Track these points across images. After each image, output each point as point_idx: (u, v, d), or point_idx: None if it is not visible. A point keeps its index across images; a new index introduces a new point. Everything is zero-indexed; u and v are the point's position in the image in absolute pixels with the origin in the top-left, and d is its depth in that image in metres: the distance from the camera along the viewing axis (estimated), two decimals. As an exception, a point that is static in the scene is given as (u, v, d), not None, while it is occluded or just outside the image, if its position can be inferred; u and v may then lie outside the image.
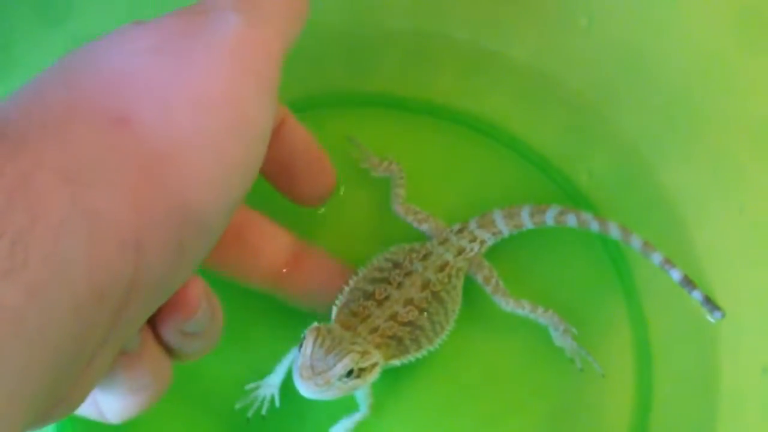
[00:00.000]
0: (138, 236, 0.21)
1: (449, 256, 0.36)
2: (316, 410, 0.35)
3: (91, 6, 0.34)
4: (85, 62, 0.23)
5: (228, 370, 0.36)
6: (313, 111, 0.33)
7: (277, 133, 0.32)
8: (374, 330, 0.34)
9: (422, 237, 0.37)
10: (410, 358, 0.34)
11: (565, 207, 0.36)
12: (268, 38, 0.25)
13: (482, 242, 0.37)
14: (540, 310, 0.36)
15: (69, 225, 0.19)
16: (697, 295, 0.33)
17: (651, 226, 0.37)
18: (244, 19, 0.24)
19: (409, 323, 0.34)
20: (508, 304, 0.36)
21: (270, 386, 0.36)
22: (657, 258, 0.34)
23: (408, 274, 0.35)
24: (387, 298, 0.34)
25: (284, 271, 0.34)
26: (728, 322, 0.34)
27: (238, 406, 0.36)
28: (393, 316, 0.34)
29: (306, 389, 0.31)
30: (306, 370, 0.31)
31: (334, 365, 0.31)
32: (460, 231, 0.37)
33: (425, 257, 0.36)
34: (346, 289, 0.35)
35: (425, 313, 0.34)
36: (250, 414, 0.36)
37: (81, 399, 0.22)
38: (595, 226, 0.36)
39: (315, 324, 0.32)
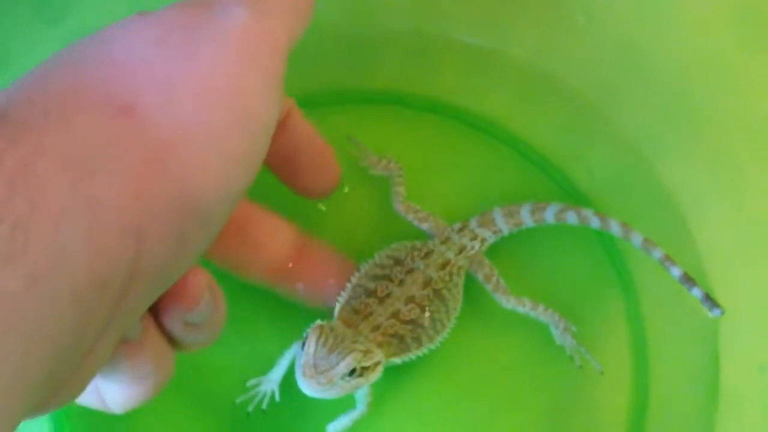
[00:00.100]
0: (139, 225, 0.20)
1: (450, 255, 0.36)
2: (316, 406, 0.35)
3: (89, 3, 0.34)
4: (89, 52, 0.22)
5: (229, 364, 0.36)
6: (313, 109, 0.33)
7: (282, 125, 0.31)
8: (376, 328, 0.33)
9: (423, 235, 0.37)
10: (411, 356, 0.34)
11: (565, 204, 0.36)
12: (273, 32, 0.24)
13: (483, 240, 0.36)
14: (540, 307, 0.36)
15: (69, 212, 0.19)
16: (696, 292, 0.33)
17: (650, 224, 0.36)
18: (250, 13, 0.24)
19: (411, 321, 0.34)
20: (508, 302, 0.36)
21: (271, 382, 0.35)
22: (657, 254, 0.34)
23: (410, 271, 0.35)
24: (388, 295, 0.34)
25: (289, 266, 0.34)
26: (726, 319, 0.34)
27: (238, 400, 0.36)
28: (395, 314, 0.34)
29: (309, 388, 0.31)
30: (309, 368, 0.31)
31: (337, 364, 0.31)
32: (461, 229, 0.36)
33: (427, 255, 0.35)
34: (349, 286, 0.35)
35: (427, 311, 0.34)
36: (250, 408, 0.36)
37: (81, 388, 0.22)
38: (595, 222, 0.35)
39: (318, 322, 0.32)
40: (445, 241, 0.36)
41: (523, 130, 0.40)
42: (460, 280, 0.36)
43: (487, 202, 0.37)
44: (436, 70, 0.41)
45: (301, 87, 0.31)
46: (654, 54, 0.37)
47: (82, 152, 0.20)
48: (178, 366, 0.27)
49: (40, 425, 0.35)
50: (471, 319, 0.36)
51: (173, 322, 0.25)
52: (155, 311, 0.25)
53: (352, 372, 0.31)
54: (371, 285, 0.34)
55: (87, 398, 0.26)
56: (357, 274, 0.35)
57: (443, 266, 0.35)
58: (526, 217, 0.36)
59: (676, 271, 0.34)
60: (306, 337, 0.31)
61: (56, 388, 0.21)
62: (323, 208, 0.38)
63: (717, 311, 0.33)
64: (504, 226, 0.36)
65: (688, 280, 0.34)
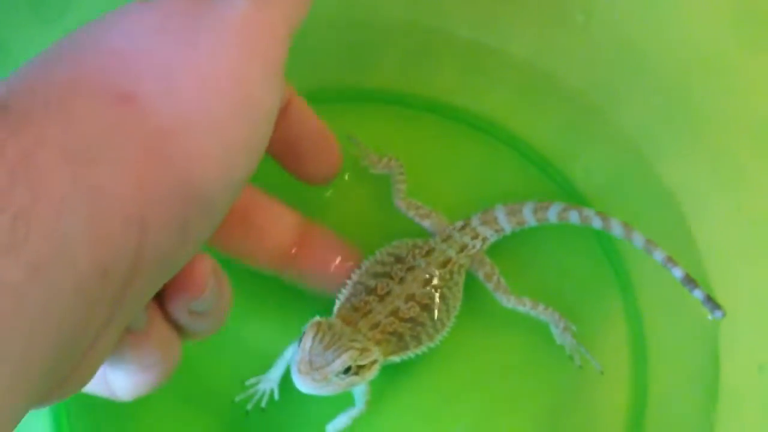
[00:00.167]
0: (142, 213, 0.20)
1: (452, 253, 0.35)
2: (314, 404, 0.35)
3: (88, 2, 0.33)
4: (88, 40, 0.22)
5: (228, 362, 0.36)
6: (312, 107, 0.33)
7: (284, 112, 0.31)
8: (375, 326, 0.33)
9: (423, 233, 0.37)
10: (410, 354, 0.34)
11: (567, 204, 0.36)
12: (274, 21, 0.24)
13: (484, 239, 0.36)
14: (541, 307, 0.36)
15: (71, 202, 0.19)
16: (698, 294, 0.33)
17: (650, 224, 0.36)
18: (250, 1, 0.24)
19: (410, 319, 0.34)
20: (509, 301, 0.36)
21: (270, 380, 0.35)
22: (659, 256, 0.34)
23: (410, 269, 0.35)
24: (388, 293, 0.34)
25: (293, 251, 0.34)
26: (726, 319, 0.33)
27: (237, 399, 0.35)
28: (394, 312, 0.34)
29: (303, 384, 0.30)
30: (304, 364, 0.30)
31: (333, 361, 0.30)
32: (463, 228, 0.36)
33: (428, 253, 0.35)
34: (349, 283, 0.34)
35: (426, 310, 0.34)
36: (249, 407, 0.35)
37: (87, 378, 0.22)
38: (597, 223, 0.35)
39: (317, 318, 0.32)
40: (447, 239, 0.36)
41: (522, 130, 0.40)
42: (461, 279, 0.35)
43: (486, 202, 0.37)
44: (435, 69, 0.41)
45: (300, 86, 0.31)
46: (654, 53, 0.37)
47: (83, 141, 0.20)
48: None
49: (39, 422, 0.35)
50: (470, 318, 0.36)
51: (178, 310, 0.25)
52: (160, 300, 0.25)
53: (348, 370, 0.31)
54: (371, 282, 0.34)
55: (95, 387, 0.26)
56: (358, 272, 0.35)
57: (444, 264, 0.35)
58: (528, 216, 0.36)
59: (677, 273, 0.33)
60: (303, 334, 0.31)
61: (61, 378, 0.21)
62: (328, 193, 0.38)
63: (718, 313, 0.33)
64: (506, 225, 0.36)
65: (689, 281, 0.33)
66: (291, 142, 0.32)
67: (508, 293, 0.36)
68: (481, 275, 0.36)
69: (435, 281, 0.34)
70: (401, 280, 0.34)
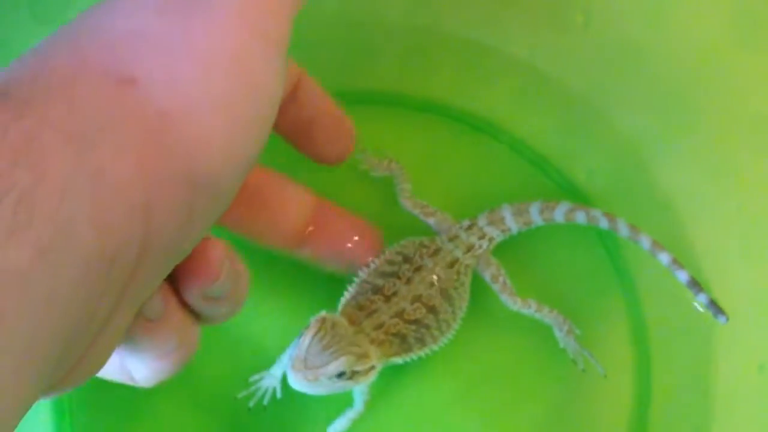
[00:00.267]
0: (145, 195, 0.20)
1: (458, 253, 0.35)
2: (316, 402, 0.35)
3: (88, 3, 0.33)
4: (89, 24, 0.22)
5: (233, 357, 0.36)
6: None
7: (294, 93, 0.31)
8: (379, 326, 0.33)
9: (427, 231, 0.36)
10: (413, 356, 0.33)
11: (574, 204, 0.35)
12: (275, 0, 0.24)
13: (491, 239, 0.35)
14: (546, 309, 0.35)
15: (74, 184, 0.18)
16: (702, 297, 0.33)
17: (649, 224, 0.35)
18: None
19: (415, 321, 0.33)
20: (515, 303, 0.35)
21: (273, 377, 0.35)
22: (665, 258, 0.33)
23: (418, 269, 0.34)
24: (395, 293, 0.33)
25: (309, 230, 0.33)
26: (726, 320, 0.34)
27: (240, 395, 0.35)
28: (399, 313, 0.33)
29: (294, 380, 0.30)
30: (299, 361, 0.30)
31: (327, 364, 0.30)
32: (470, 227, 0.35)
33: (435, 253, 0.34)
34: (356, 281, 0.34)
35: (432, 312, 0.33)
36: (251, 404, 0.35)
37: (98, 365, 0.22)
38: (604, 223, 0.35)
39: (323, 313, 0.31)
40: (453, 238, 0.35)
41: (521, 131, 0.40)
42: (467, 280, 0.35)
43: (486, 203, 0.36)
44: (434, 70, 0.40)
45: None
46: (653, 54, 0.37)
47: (85, 124, 0.19)
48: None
49: (41, 422, 0.35)
50: (473, 319, 0.35)
51: (194, 297, 0.24)
52: (176, 287, 0.24)
53: (342, 374, 0.30)
54: (379, 282, 0.34)
55: (115, 375, 0.26)
56: (366, 270, 0.34)
57: (451, 265, 0.34)
58: (535, 216, 0.35)
59: (683, 276, 0.33)
60: (306, 328, 0.31)
61: (70, 365, 0.20)
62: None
63: (722, 318, 0.32)
64: (513, 225, 0.35)
65: (695, 284, 0.33)
66: (303, 123, 0.32)
67: (513, 295, 0.35)
68: (487, 276, 0.35)
69: (442, 283, 0.34)
70: (408, 281, 0.34)
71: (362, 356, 0.31)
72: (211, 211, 0.22)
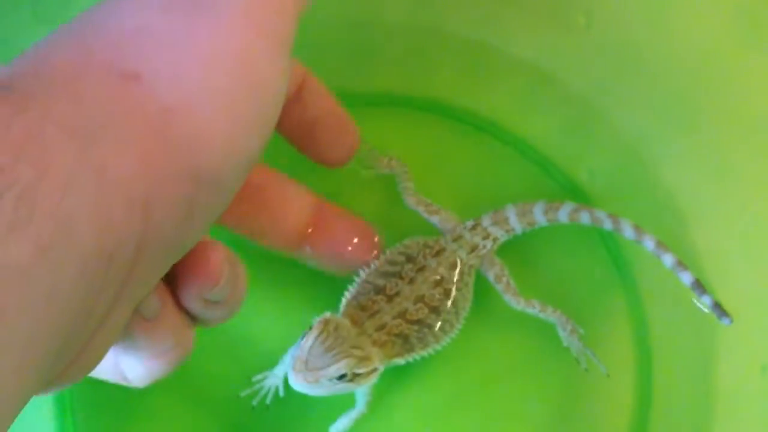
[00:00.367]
0: (146, 193, 0.20)
1: (462, 253, 0.34)
2: (319, 402, 0.34)
3: (89, 4, 0.33)
4: (93, 21, 0.22)
5: (236, 356, 0.35)
6: None
7: (298, 94, 0.31)
8: (381, 327, 0.32)
9: (431, 231, 0.36)
10: (415, 356, 0.33)
11: (578, 204, 0.35)
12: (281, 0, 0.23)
13: (495, 239, 0.35)
14: (549, 309, 0.35)
15: (75, 180, 0.18)
16: (706, 299, 0.32)
17: (650, 224, 0.35)
18: None
19: (418, 321, 0.33)
20: (518, 303, 0.35)
21: (276, 377, 0.34)
22: (669, 260, 0.33)
23: (421, 269, 0.34)
24: (398, 293, 0.33)
25: (309, 231, 0.33)
26: (728, 320, 0.33)
27: (243, 394, 0.34)
28: (402, 314, 0.33)
29: (295, 381, 0.30)
30: (300, 362, 0.30)
31: (329, 366, 0.30)
32: (474, 227, 0.35)
33: (438, 253, 0.34)
34: (357, 281, 0.33)
35: (435, 312, 0.33)
36: (254, 402, 0.34)
37: (96, 361, 0.21)
38: (608, 224, 0.34)
39: (327, 314, 0.31)
40: (457, 238, 0.35)
41: (523, 131, 0.39)
42: (471, 280, 0.34)
43: (489, 203, 0.36)
44: (436, 70, 0.40)
45: None
46: (654, 55, 0.36)
47: (88, 120, 0.19)
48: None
49: (43, 422, 0.34)
50: (476, 318, 0.35)
51: (192, 299, 0.24)
52: (173, 287, 0.24)
53: (342, 376, 0.30)
54: (381, 282, 0.33)
55: (108, 374, 0.25)
56: (367, 270, 0.34)
57: (455, 265, 0.34)
58: (539, 216, 0.35)
59: (687, 278, 0.33)
60: (308, 329, 0.30)
61: (68, 361, 0.20)
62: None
63: (726, 320, 0.32)
64: (517, 225, 0.35)
65: (698, 286, 0.32)
66: (307, 123, 0.31)
67: (517, 295, 0.35)
68: (491, 276, 0.35)
69: (445, 283, 0.34)
70: (411, 281, 0.33)
71: (364, 359, 0.31)
72: (211, 208, 0.22)
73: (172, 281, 0.24)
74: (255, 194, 0.32)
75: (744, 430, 0.35)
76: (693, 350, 0.36)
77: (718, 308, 0.32)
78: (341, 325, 0.31)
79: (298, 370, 0.30)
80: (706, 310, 0.33)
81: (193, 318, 0.25)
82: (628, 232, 0.34)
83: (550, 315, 0.35)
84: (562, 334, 0.35)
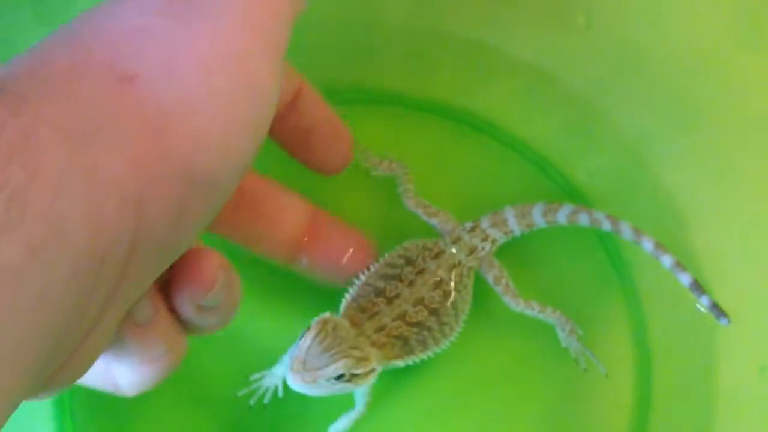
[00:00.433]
0: (139, 194, 0.20)
1: (461, 255, 0.34)
2: (317, 402, 0.34)
3: (90, 3, 0.33)
4: (90, 23, 0.22)
5: (235, 356, 0.35)
6: None
7: (294, 102, 0.31)
8: (380, 329, 0.32)
9: (430, 233, 0.36)
10: (415, 359, 0.33)
11: (577, 206, 0.35)
12: (277, 2, 0.24)
13: (494, 241, 0.35)
14: (548, 310, 0.35)
15: (67, 181, 0.18)
16: (705, 300, 0.32)
17: (649, 224, 0.35)
18: None
19: (417, 324, 0.33)
20: (518, 305, 0.35)
21: (274, 377, 0.34)
22: (667, 261, 0.33)
23: (420, 272, 0.33)
24: (397, 296, 0.33)
25: (305, 240, 0.33)
26: (727, 321, 0.33)
27: (240, 393, 0.34)
28: (401, 316, 0.32)
29: (293, 381, 0.30)
30: (298, 362, 0.29)
31: (326, 366, 0.30)
32: (472, 229, 0.35)
33: (437, 255, 0.34)
34: (357, 283, 0.33)
35: (434, 314, 0.33)
36: (252, 401, 0.34)
37: (87, 365, 0.21)
38: (607, 225, 0.34)
39: (326, 314, 0.31)
40: (456, 240, 0.35)
41: (523, 131, 0.39)
42: (470, 282, 0.34)
43: (488, 204, 0.36)
44: (436, 70, 0.40)
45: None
46: (653, 55, 0.36)
47: (81, 121, 0.19)
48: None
49: (42, 422, 0.34)
50: (475, 319, 0.35)
51: (186, 305, 0.24)
52: (167, 293, 0.24)
53: (341, 376, 0.30)
54: (381, 284, 0.33)
55: (99, 382, 0.25)
56: (367, 272, 0.33)
57: (454, 267, 0.34)
58: (538, 218, 0.35)
59: (685, 278, 0.32)
60: (307, 329, 0.30)
61: (60, 364, 0.20)
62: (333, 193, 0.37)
63: (724, 320, 0.32)
64: (516, 227, 0.35)
65: (697, 287, 0.32)
66: (302, 131, 0.31)
67: (516, 296, 0.34)
68: (490, 278, 0.35)
69: (444, 285, 0.33)
70: (411, 283, 0.33)
71: (362, 359, 0.30)
72: (204, 210, 0.22)
73: (165, 288, 0.24)
74: (251, 203, 0.32)
75: (744, 430, 0.34)
76: (692, 351, 0.36)
77: (717, 309, 0.32)
78: (340, 325, 0.31)
79: (296, 370, 0.29)
80: (703, 310, 0.33)
81: (185, 326, 0.25)
82: (627, 233, 0.34)
83: (549, 316, 0.35)
84: (561, 335, 0.35)
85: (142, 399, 0.31)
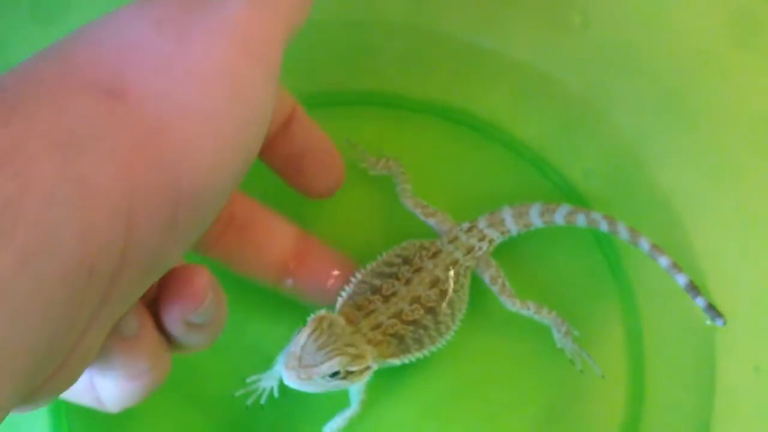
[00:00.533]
0: (128, 206, 0.20)
1: (458, 255, 0.34)
2: (313, 402, 0.34)
3: (87, 3, 0.32)
4: (82, 37, 0.22)
5: (232, 358, 0.35)
6: (309, 111, 0.32)
7: (287, 126, 0.31)
8: (376, 326, 0.32)
9: (427, 233, 0.35)
10: (411, 357, 0.33)
11: (575, 206, 0.34)
12: (269, 21, 0.24)
13: (491, 241, 0.35)
14: (544, 310, 0.34)
15: (58, 193, 0.18)
16: (700, 301, 0.32)
17: (647, 224, 0.35)
18: (248, 2, 0.23)
19: (413, 322, 0.32)
20: (514, 305, 0.34)
21: (271, 378, 0.34)
22: (664, 261, 0.33)
23: (417, 270, 0.33)
24: (394, 294, 0.33)
25: (291, 264, 0.33)
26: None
27: (237, 394, 0.34)
28: (397, 314, 0.32)
29: (288, 377, 0.30)
30: (293, 359, 0.29)
31: (321, 363, 0.29)
32: (470, 229, 0.35)
33: (435, 255, 0.34)
34: (353, 280, 0.33)
35: (431, 313, 0.33)
36: (249, 402, 0.34)
37: (74, 377, 0.21)
38: (604, 226, 0.34)
39: (322, 311, 0.31)
40: (453, 240, 0.34)
41: (520, 131, 0.39)
42: (467, 282, 0.34)
43: (485, 204, 0.36)
44: (433, 70, 0.39)
45: (297, 88, 0.31)
46: (651, 54, 0.36)
47: (72, 133, 0.19)
48: (176, 358, 0.26)
49: (38, 422, 0.34)
50: (471, 320, 0.34)
51: (174, 321, 0.24)
52: (155, 309, 0.24)
53: (335, 374, 0.30)
54: (377, 282, 0.33)
55: (83, 397, 0.25)
56: (363, 270, 0.33)
57: (451, 267, 0.34)
58: (535, 218, 0.35)
59: (681, 279, 0.32)
60: (303, 326, 0.30)
61: (47, 376, 0.20)
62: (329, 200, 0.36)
63: (719, 321, 0.32)
64: (513, 227, 0.35)
65: (693, 288, 0.32)
66: (294, 155, 0.32)
67: (513, 296, 0.34)
68: (486, 278, 0.35)
69: (441, 284, 0.33)
70: (407, 282, 0.33)
71: (357, 357, 0.30)
72: (192, 225, 0.22)
73: (153, 304, 0.24)
74: (241, 227, 0.32)
75: (739, 429, 0.34)
76: (687, 351, 0.36)
77: (712, 310, 0.32)
78: (335, 322, 0.31)
79: (290, 367, 0.29)
80: (709, 323, 0.33)
81: (172, 343, 0.25)
82: (623, 234, 0.34)
83: (546, 316, 0.35)
84: (556, 335, 0.35)
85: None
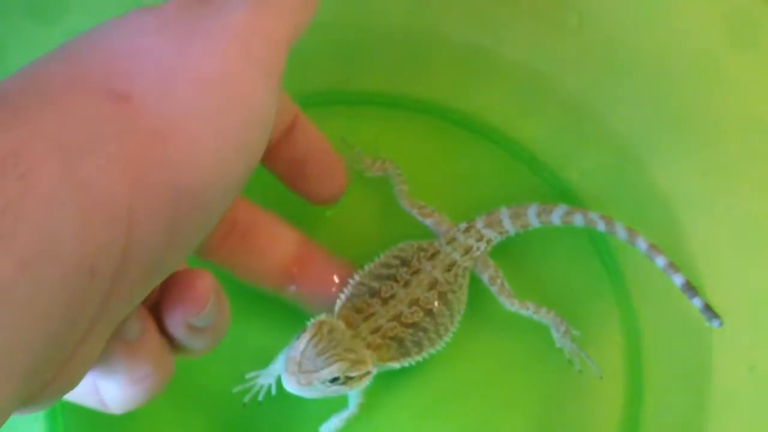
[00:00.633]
0: (130, 209, 0.20)
1: (456, 256, 0.34)
2: (311, 401, 0.33)
3: (86, 4, 0.33)
4: (87, 42, 0.22)
5: (231, 355, 0.34)
6: (305, 111, 0.32)
7: (290, 132, 0.31)
8: (376, 330, 0.32)
9: (425, 234, 0.35)
10: (410, 361, 0.33)
11: (572, 207, 0.34)
12: (273, 23, 0.24)
13: (488, 241, 0.34)
14: (543, 310, 0.34)
15: (60, 195, 0.18)
16: (697, 302, 0.32)
17: (643, 224, 0.35)
18: (250, 7, 0.23)
19: (413, 325, 0.32)
20: (513, 305, 0.34)
21: (270, 375, 0.34)
22: (661, 261, 0.33)
23: (415, 272, 0.33)
24: (392, 296, 0.33)
25: (293, 271, 0.33)
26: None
27: (235, 390, 0.34)
28: (397, 317, 0.32)
29: (288, 383, 0.30)
30: (293, 364, 0.29)
31: (321, 369, 0.29)
32: (467, 230, 0.35)
33: (433, 256, 0.34)
34: (352, 282, 0.33)
35: (430, 315, 0.33)
36: (246, 399, 0.34)
37: (75, 380, 0.21)
38: (601, 226, 0.34)
39: (322, 316, 0.31)
40: (451, 241, 0.34)
41: (516, 132, 0.39)
42: (465, 282, 0.34)
43: (482, 205, 0.35)
44: (429, 71, 0.39)
45: (293, 89, 0.31)
46: (647, 55, 0.36)
47: (75, 136, 0.19)
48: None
49: (36, 422, 0.34)
50: (470, 320, 0.34)
51: (177, 324, 0.24)
52: (158, 313, 0.24)
53: (336, 379, 0.30)
54: (376, 285, 0.33)
55: (86, 399, 0.25)
56: (361, 272, 0.33)
57: (449, 268, 0.34)
58: (532, 218, 0.35)
59: (678, 279, 0.32)
60: (303, 331, 0.30)
61: (48, 379, 0.20)
62: (328, 212, 0.37)
63: (716, 322, 0.32)
64: (510, 227, 0.35)
65: (689, 288, 0.32)
66: (297, 162, 0.32)
67: (511, 296, 0.34)
68: (485, 278, 0.34)
69: (440, 285, 0.33)
70: (406, 284, 0.33)
71: (357, 362, 0.30)
72: (194, 229, 0.22)
73: (156, 308, 0.24)
74: (244, 233, 0.32)
75: (735, 429, 0.34)
76: (684, 351, 0.36)
77: (709, 310, 0.32)
78: (335, 327, 0.31)
79: (290, 373, 0.29)
80: (707, 325, 0.33)
81: (174, 347, 0.25)
82: (621, 234, 0.34)
83: (544, 316, 0.35)
84: (555, 335, 0.35)
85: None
